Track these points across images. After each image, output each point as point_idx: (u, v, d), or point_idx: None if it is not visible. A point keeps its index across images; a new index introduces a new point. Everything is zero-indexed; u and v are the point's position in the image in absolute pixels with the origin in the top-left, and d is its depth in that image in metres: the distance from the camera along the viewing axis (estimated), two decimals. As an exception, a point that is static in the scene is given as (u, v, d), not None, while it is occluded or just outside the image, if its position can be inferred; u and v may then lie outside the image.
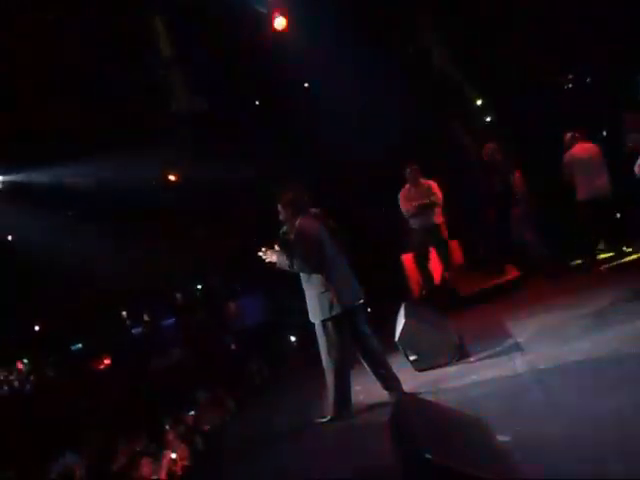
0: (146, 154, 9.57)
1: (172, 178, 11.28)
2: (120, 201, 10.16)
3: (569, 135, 6.61)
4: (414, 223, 7.07)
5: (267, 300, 10.63)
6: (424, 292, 7.22)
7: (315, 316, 4.29)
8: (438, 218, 7.07)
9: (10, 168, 9.73)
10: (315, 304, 4.25)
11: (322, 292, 4.21)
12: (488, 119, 10.10)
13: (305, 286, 4.32)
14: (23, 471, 5.81)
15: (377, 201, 8.23)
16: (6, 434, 6.59)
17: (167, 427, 5.77)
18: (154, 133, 9.61)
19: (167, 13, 8.49)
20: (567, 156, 6.55)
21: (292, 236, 4.30)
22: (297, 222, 4.31)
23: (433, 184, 7.11)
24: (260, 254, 4.33)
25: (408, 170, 7.05)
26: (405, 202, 7.07)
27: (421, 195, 7.01)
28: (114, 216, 10.38)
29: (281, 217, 4.45)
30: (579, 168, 6.42)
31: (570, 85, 9.63)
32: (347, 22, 8.37)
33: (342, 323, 4.24)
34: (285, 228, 4.42)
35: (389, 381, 4.29)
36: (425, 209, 6.95)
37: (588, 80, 9.41)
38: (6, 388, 9.50)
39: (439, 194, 7.05)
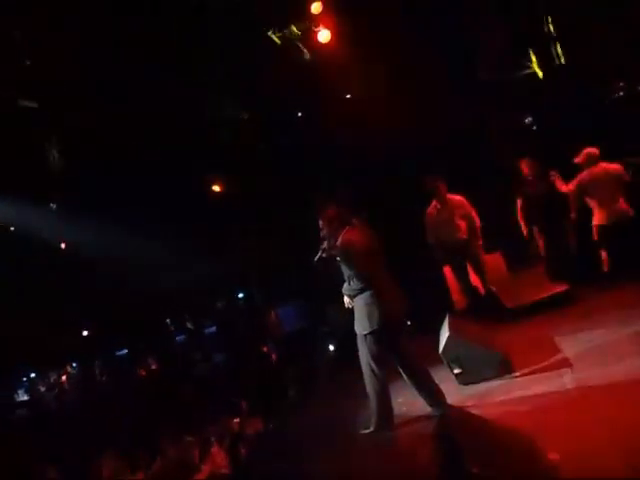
0: (192, 163, 9.82)
1: (217, 189, 11.50)
2: (167, 210, 10.43)
3: (587, 153, 6.30)
4: (442, 240, 6.94)
5: (306, 308, 10.67)
6: (468, 305, 7.11)
7: (359, 327, 4.28)
8: (464, 234, 6.86)
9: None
10: (362, 315, 4.23)
11: (369, 304, 4.18)
12: (528, 119, 9.76)
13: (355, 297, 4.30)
14: (66, 471, 5.97)
15: (417, 211, 8.14)
16: (56, 434, 6.82)
17: (209, 434, 5.84)
18: (199, 142, 9.84)
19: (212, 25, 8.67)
20: (584, 176, 6.30)
21: (337, 252, 4.26)
22: (341, 236, 4.27)
23: (463, 201, 6.88)
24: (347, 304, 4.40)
25: (434, 186, 6.80)
26: (432, 223, 6.91)
27: (449, 213, 6.85)
28: (161, 225, 10.65)
29: (323, 233, 4.38)
30: (596, 190, 6.19)
31: (621, 93, 9.34)
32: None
33: (385, 336, 4.22)
34: (326, 244, 4.36)
35: (433, 396, 4.24)
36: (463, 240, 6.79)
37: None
38: (57, 390, 9.84)
39: (474, 215, 6.87)
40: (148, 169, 10.05)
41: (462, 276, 7.07)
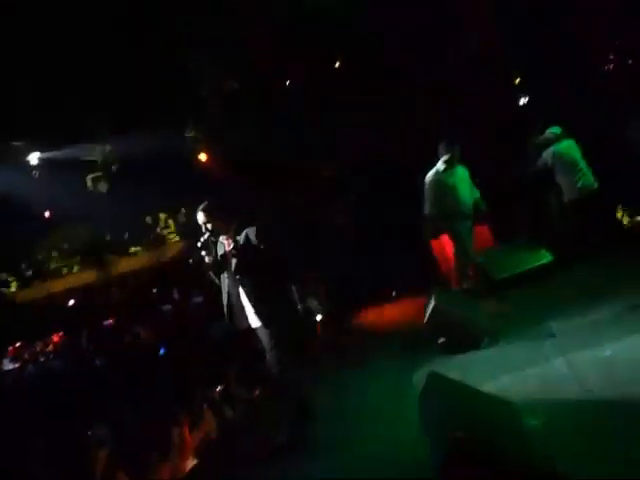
0: (177, 133, 9.69)
1: (203, 158, 11.35)
2: (150, 179, 10.30)
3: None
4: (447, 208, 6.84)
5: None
6: (455, 276, 7.12)
7: (267, 320, 4.14)
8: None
9: (46, 145, 9.95)
10: (267, 308, 4.13)
11: (274, 299, 4.14)
12: (522, 102, 9.73)
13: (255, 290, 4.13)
14: (55, 439, 5.96)
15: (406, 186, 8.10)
16: (45, 403, 6.82)
17: (200, 400, 5.85)
18: (185, 113, 9.69)
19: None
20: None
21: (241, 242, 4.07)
22: (251, 229, 4.13)
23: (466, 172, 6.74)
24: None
25: (451, 148, 6.23)
26: (439, 189, 6.73)
27: (457, 180, 6.69)
28: (148, 194, 10.53)
29: (213, 226, 4.12)
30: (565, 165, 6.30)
31: (611, 66, 9.27)
32: None
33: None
34: (207, 237, 4.11)
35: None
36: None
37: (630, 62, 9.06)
38: (42, 359, 9.84)
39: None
40: (141, 133, 9.91)
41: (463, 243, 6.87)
